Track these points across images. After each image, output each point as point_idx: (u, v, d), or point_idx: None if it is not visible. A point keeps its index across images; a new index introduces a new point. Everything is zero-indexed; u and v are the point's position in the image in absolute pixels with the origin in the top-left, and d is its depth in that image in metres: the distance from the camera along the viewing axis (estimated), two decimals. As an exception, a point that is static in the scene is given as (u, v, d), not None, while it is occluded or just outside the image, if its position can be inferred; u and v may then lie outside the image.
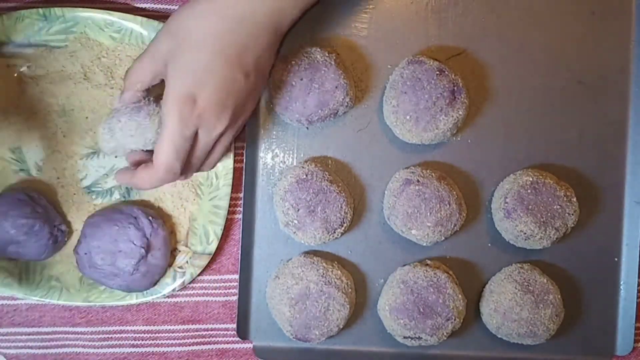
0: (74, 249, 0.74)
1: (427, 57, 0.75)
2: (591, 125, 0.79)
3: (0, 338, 0.78)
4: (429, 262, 0.77)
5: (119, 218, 0.73)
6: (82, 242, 0.73)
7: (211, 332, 0.79)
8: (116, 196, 0.77)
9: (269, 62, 0.68)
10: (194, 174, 0.70)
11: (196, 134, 0.64)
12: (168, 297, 0.78)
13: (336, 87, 0.73)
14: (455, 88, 0.74)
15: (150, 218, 0.74)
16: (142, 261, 0.72)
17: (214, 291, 0.79)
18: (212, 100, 0.63)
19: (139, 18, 0.75)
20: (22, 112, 0.76)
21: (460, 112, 0.74)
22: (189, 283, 0.77)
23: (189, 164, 0.66)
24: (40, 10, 0.74)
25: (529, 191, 0.74)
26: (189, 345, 0.79)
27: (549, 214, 0.74)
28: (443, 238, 0.75)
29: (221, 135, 0.66)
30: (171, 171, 0.64)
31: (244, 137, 0.77)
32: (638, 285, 0.79)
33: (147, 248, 0.73)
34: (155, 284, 0.75)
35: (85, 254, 0.73)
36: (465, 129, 0.78)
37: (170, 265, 0.76)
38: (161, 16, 0.78)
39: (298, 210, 0.73)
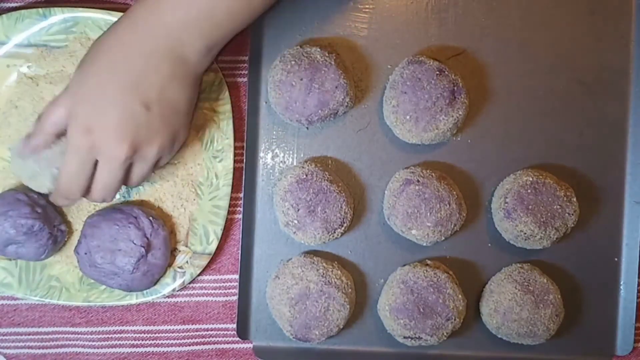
0: (74, 249, 0.74)
1: (427, 57, 0.75)
2: (591, 125, 0.79)
3: (0, 338, 0.78)
4: (429, 262, 0.77)
5: (119, 218, 0.73)
6: (82, 242, 0.73)
7: (211, 332, 0.79)
8: (116, 196, 0.77)
9: (182, 94, 0.67)
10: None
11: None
12: (168, 297, 0.78)
13: (336, 87, 0.73)
14: (455, 88, 0.74)
15: (150, 218, 0.74)
16: (142, 260, 0.72)
17: (214, 291, 0.79)
18: (107, 129, 0.64)
19: (139, 18, 0.75)
20: (22, 112, 0.76)
21: (460, 112, 0.74)
22: (189, 283, 0.77)
23: (97, 190, 0.67)
24: (40, 10, 0.74)
25: (529, 191, 0.74)
26: (189, 345, 0.79)
27: (549, 214, 0.74)
28: (443, 238, 0.75)
29: (129, 166, 0.67)
30: (72, 194, 0.68)
31: (243, 137, 0.77)
32: (638, 285, 0.79)
33: (147, 247, 0.73)
34: (155, 283, 0.75)
35: (86, 253, 0.73)
36: (465, 129, 0.78)
37: (170, 265, 0.76)
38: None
39: (298, 210, 0.73)
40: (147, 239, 0.73)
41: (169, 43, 0.64)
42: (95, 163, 0.66)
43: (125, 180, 0.68)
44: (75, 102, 0.65)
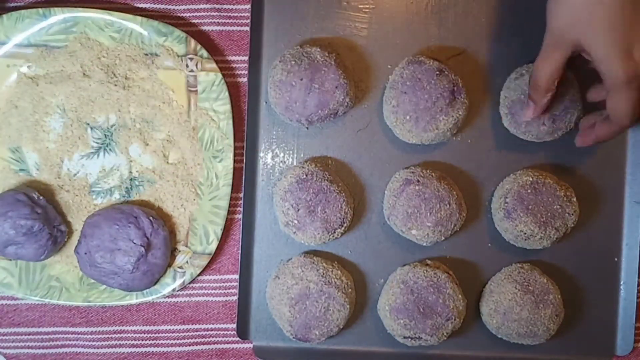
0: (74, 249, 0.74)
1: (427, 57, 0.75)
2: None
3: (0, 338, 0.78)
4: (429, 262, 0.77)
5: (119, 217, 0.73)
6: (82, 242, 0.73)
7: (211, 332, 0.79)
8: (116, 196, 0.77)
9: None
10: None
11: None
12: (168, 297, 0.78)
13: (336, 87, 0.73)
14: (455, 88, 0.74)
15: (150, 218, 0.74)
16: (142, 260, 0.72)
17: (214, 291, 0.79)
18: None
19: (139, 18, 0.75)
20: (22, 112, 0.76)
21: (460, 112, 0.74)
22: (189, 283, 0.77)
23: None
24: (40, 10, 0.74)
25: (529, 191, 0.74)
26: (189, 345, 0.79)
27: (549, 214, 0.74)
28: (443, 238, 0.75)
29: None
30: (630, 122, 0.66)
31: (243, 137, 0.77)
32: (638, 285, 0.79)
33: (147, 247, 0.73)
34: (155, 283, 0.75)
35: (86, 253, 0.73)
36: (465, 129, 0.78)
37: (170, 265, 0.76)
38: (161, 16, 0.78)
39: (298, 210, 0.73)
40: (147, 238, 0.73)
41: None
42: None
43: None
44: (593, 30, 0.63)
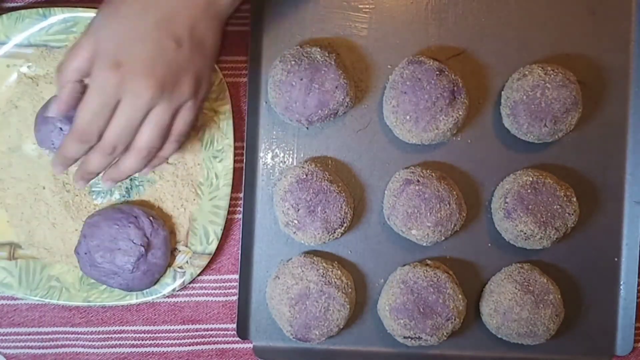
0: (74, 250, 0.74)
1: (427, 57, 0.75)
2: (591, 125, 0.79)
3: (0, 338, 0.78)
4: (429, 262, 0.77)
5: (119, 217, 0.73)
6: (82, 242, 0.73)
7: (211, 332, 0.79)
8: (116, 196, 0.77)
9: (210, 36, 0.64)
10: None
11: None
12: (168, 297, 0.78)
13: (336, 87, 0.73)
14: (455, 88, 0.74)
15: (150, 218, 0.74)
16: (142, 260, 0.72)
17: (214, 291, 0.79)
18: (136, 65, 0.61)
19: (139, 18, 0.75)
20: (22, 112, 0.76)
21: (460, 112, 0.74)
22: (189, 283, 0.77)
23: (114, 131, 0.62)
24: (40, 10, 0.74)
25: (529, 191, 0.74)
26: (189, 345, 0.79)
27: (549, 214, 0.74)
28: (443, 238, 0.75)
29: (151, 108, 0.62)
30: (88, 135, 0.62)
31: (243, 137, 0.77)
32: (638, 285, 0.79)
33: (147, 247, 0.73)
34: (155, 283, 0.75)
35: (86, 253, 0.73)
36: (465, 129, 0.78)
37: (170, 265, 0.76)
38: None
39: (298, 210, 0.73)
40: (147, 238, 0.73)
41: None
42: (115, 107, 0.62)
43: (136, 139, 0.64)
44: (100, 40, 0.62)
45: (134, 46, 0.61)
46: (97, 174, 0.67)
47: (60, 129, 0.71)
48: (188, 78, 0.63)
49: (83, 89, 0.63)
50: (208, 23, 0.64)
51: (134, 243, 0.72)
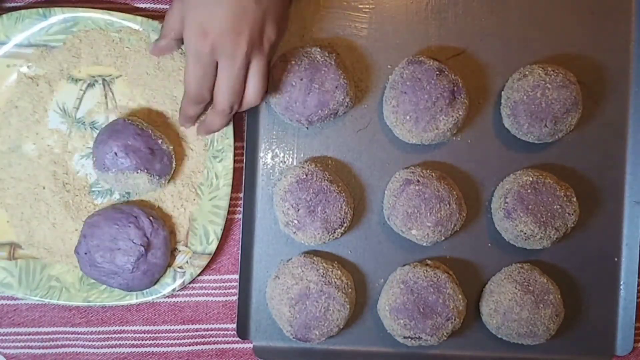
0: (74, 250, 0.74)
1: (427, 57, 0.75)
2: (591, 125, 0.79)
3: (0, 338, 0.78)
4: (429, 262, 0.77)
5: (119, 217, 0.73)
6: (82, 242, 0.73)
7: (211, 332, 0.79)
8: (116, 196, 0.77)
9: None
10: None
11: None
12: (168, 297, 0.78)
13: (336, 87, 0.73)
14: (455, 88, 0.74)
15: (151, 218, 0.74)
16: (142, 259, 0.72)
17: (214, 291, 0.79)
18: (222, 28, 0.64)
19: (139, 18, 0.75)
20: (22, 112, 0.76)
21: (460, 112, 0.74)
22: (189, 283, 0.77)
23: (223, 94, 0.67)
24: (40, 10, 0.74)
25: (529, 191, 0.74)
26: (189, 345, 0.79)
27: (549, 214, 0.74)
28: (443, 238, 0.75)
29: (248, 63, 0.66)
30: (201, 97, 0.68)
31: (243, 137, 0.77)
32: (638, 285, 0.79)
33: (147, 247, 0.73)
34: (155, 283, 0.75)
35: (86, 253, 0.73)
36: (465, 129, 0.78)
37: (170, 265, 0.76)
38: (161, 16, 0.77)
39: (298, 210, 0.73)
40: (147, 238, 0.73)
41: None
42: (216, 67, 0.66)
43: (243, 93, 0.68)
44: (186, 6, 0.65)
45: (216, 11, 0.64)
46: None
47: (115, 154, 0.71)
48: (271, 25, 0.66)
49: (178, 44, 0.72)
50: None
51: (134, 243, 0.72)
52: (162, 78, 0.76)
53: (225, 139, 0.76)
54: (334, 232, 0.74)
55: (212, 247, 0.77)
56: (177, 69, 0.76)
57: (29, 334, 0.78)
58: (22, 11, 0.74)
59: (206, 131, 0.74)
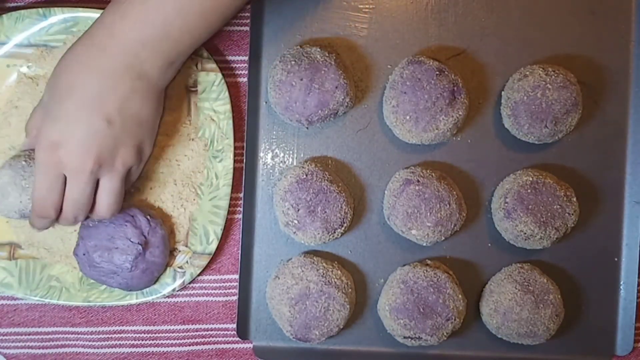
0: (73, 252, 0.74)
1: (427, 57, 0.75)
2: (591, 125, 0.79)
3: (0, 338, 0.78)
4: (429, 262, 0.77)
5: (115, 216, 0.73)
6: (80, 243, 0.73)
7: (211, 332, 0.79)
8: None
9: (144, 108, 0.68)
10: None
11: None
12: (168, 297, 0.78)
13: (336, 87, 0.73)
14: (455, 88, 0.74)
15: (148, 217, 0.74)
16: (140, 258, 0.72)
17: (214, 291, 0.79)
18: (72, 146, 0.65)
19: (139, 18, 0.75)
20: (22, 112, 0.76)
21: (460, 112, 0.74)
22: (189, 283, 0.77)
23: (67, 206, 0.68)
24: (40, 10, 0.74)
25: (529, 191, 0.74)
26: (189, 345, 0.79)
27: (549, 214, 0.74)
28: (443, 238, 0.75)
29: (95, 180, 0.67)
30: (45, 211, 0.68)
31: (243, 137, 0.77)
32: (638, 285, 0.79)
33: (145, 245, 0.73)
34: (155, 281, 0.75)
35: (84, 254, 0.73)
36: (465, 129, 0.78)
37: (170, 265, 0.76)
38: (161, 16, 0.78)
39: (298, 210, 0.73)
40: (145, 237, 0.73)
41: (127, 61, 0.65)
42: (64, 183, 0.67)
43: (95, 204, 0.69)
44: (42, 119, 0.67)
45: (68, 128, 0.66)
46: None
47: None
48: (127, 149, 0.68)
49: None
50: (140, 97, 0.67)
51: (131, 242, 0.72)
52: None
53: (225, 139, 0.76)
54: (334, 232, 0.74)
55: (212, 247, 0.77)
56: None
57: (29, 334, 0.78)
58: (22, 11, 0.74)
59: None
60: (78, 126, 0.65)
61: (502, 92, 0.77)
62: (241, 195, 0.78)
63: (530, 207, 0.74)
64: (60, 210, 0.68)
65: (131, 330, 0.79)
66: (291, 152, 0.77)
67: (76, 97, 0.65)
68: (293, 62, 0.73)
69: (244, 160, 0.77)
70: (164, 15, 0.65)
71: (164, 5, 0.65)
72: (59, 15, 0.75)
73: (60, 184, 0.67)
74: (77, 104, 0.65)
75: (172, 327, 0.79)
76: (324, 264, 0.75)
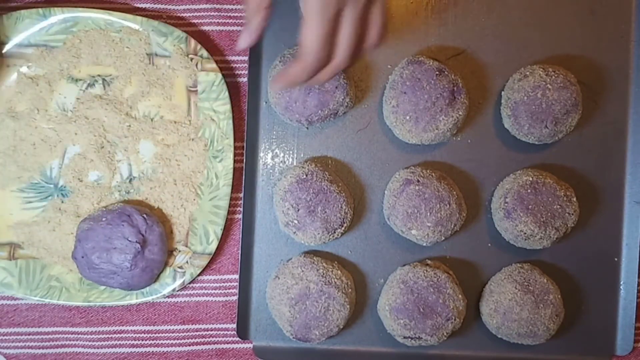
0: (71, 255, 0.74)
1: (427, 57, 0.75)
2: (591, 125, 0.79)
3: (0, 338, 0.78)
4: (429, 262, 0.77)
5: (111, 217, 0.73)
6: (77, 246, 0.73)
7: (211, 332, 0.79)
8: (116, 196, 0.77)
9: None
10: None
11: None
12: (168, 297, 0.78)
13: (336, 87, 0.73)
14: (455, 88, 0.74)
15: (144, 215, 0.74)
16: (139, 257, 0.73)
17: (214, 291, 0.79)
18: None
19: (139, 18, 0.75)
20: (22, 112, 0.76)
21: (460, 112, 0.74)
22: (189, 283, 0.77)
23: (347, 41, 0.61)
24: (40, 10, 0.74)
25: (528, 191, 0.74)
26: (189, 345, 0.79)
27: (549, 214, 0.74)
28: (443, 238, 0.75)
29: (339, 10, 0.60)
30: (320, 63, 0.61)
31: (243, 137, 0.77)
32: (638, 285, 0.79)
33: (143, 244, 0.73)
34: (155, 279, 0.75)
35: (82, 257, 0.73)
36: (465, 129, 0.78)
37: (170, 265, 0.76)
38: (161, 16, 0.78)
39: (298, 210, 0.73)
40: (142, 235, 0.73)
41: None
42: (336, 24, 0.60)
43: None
44: None
45: None
46: None
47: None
48: None
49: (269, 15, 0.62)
50: None
51: (129, 241, 0.72)
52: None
53: (225, 139, 0.76)
54: (334, 232, 0.74)
55: (212, 247, 0.77)
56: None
57: (29, 334, 0.78)
58: (22, 11, 0.74)
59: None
60: None
61: (502, 92, 0.77)
62: (241, 195, 0.78)
63: (530, 207, 0.74)
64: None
65: (131, 330, 0.79)
66: (291, 152, 0.77)
67: None
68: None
69: (244, 160, 0.77)
70: None
71: None
72: (59, 15, 0.75)
73: (336, 23, 0.60)
74: None
75: (172, 327, 0.79)
76: (324, 264, 0.75)
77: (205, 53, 0.76)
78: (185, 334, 0.79)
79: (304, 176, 0.74)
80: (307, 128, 0.77)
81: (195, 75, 0.76)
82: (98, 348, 0.79)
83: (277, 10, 0.77)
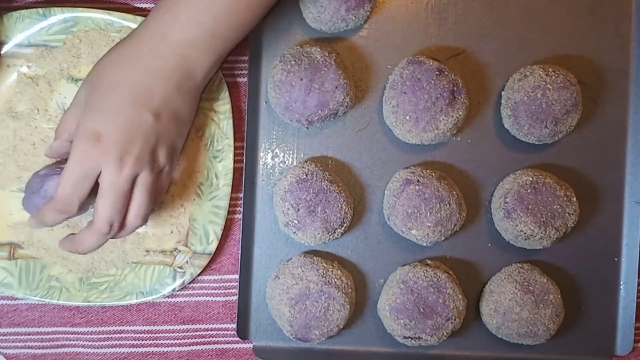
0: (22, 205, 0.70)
1: (427, 57, 0.75)
2: (591, 125, 0.79)
3: (0, 338, 0.78)
4: (429, 262, 0.77)
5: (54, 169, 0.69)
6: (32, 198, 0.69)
7: (211, 332, 0.79)
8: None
9: (185, 106, 0.68)
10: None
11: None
12: (168, 297, 0.78)
13: (336, 87, 0.73)
14: (455, 88, 0.74)
15: None
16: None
17: (214, 291, 0.79)
18: (116, 137, 0.63)
19: (139, 18, 0.75)
20: (22, 112, 0.76)
21: (460, 112, 0.74)
22: (189, 283, 0.77)
23: (104, 206, 0.64)
24: (40, 10, 0.74)
25: (528, 191, 0.74)
26: (189, 345, 0.79)
27: (549, 214, 0.74)
28: (443, 238, 0.75)
29: (135, 176, 0.65)
30: (68, 206, 0.64)
31: (243, 137, 0.77)
32: (638, 285, 0.79)
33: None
34: None
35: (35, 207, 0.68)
36: (465, 129, 0.78)
37: (170, 265, 0.76)
38: (161, 16, 0.78)
39: (298, 210, 0.73)
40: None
41: (177, 61, 0.66)
42: (95, 180, 0.64)
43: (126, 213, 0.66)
44: (82, 114, 0.65)
45: (113, 118, 0.64)
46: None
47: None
48: (165, 147, 0.67)
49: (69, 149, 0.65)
50: (183, 96, 0.67)
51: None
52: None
53: (225, 139, 0.76)
54: (334, 232, 0.74)
55: (212, 247, 0.77)
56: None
57: (29, 334, 0.78)
58: (22, 11, 0.74)
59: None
60: (123, 117, 0.64)
61: (502, 93, 0.77)
62: (241, 195, 0.78)
63: (530, 207, 0.74)
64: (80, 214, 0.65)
65: (131, 330, 0.79)
66: (291, 152, 0.77)
67: (122, 91, 0.64)
68: (293, 62, 0.73)
69: (244, 160, 0.77)
70: (215, 14, 0.65)
71: (214, 5, 0.65)
72: (59, 15, 0.75)
73: (92, 179, 0.64)
74: (123, 96, 0.64)
75: (172, 327, 0.79)
76: (324, 264, 0.75)
77: (205, 53, 0.76)
78: (185, 334, 0.79)
79: (304, 176, 0.74)
80: (307, 128, 0.77)
81: (195, 75, 0.76)
82: (98, 348, 0.79)
83: (278, 10, 0.77)
